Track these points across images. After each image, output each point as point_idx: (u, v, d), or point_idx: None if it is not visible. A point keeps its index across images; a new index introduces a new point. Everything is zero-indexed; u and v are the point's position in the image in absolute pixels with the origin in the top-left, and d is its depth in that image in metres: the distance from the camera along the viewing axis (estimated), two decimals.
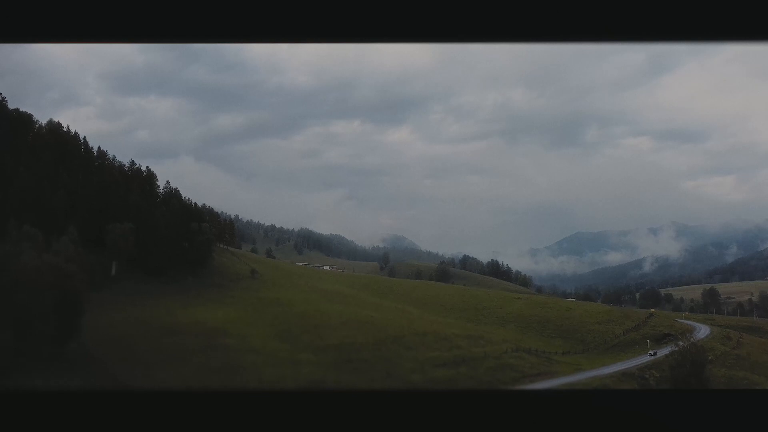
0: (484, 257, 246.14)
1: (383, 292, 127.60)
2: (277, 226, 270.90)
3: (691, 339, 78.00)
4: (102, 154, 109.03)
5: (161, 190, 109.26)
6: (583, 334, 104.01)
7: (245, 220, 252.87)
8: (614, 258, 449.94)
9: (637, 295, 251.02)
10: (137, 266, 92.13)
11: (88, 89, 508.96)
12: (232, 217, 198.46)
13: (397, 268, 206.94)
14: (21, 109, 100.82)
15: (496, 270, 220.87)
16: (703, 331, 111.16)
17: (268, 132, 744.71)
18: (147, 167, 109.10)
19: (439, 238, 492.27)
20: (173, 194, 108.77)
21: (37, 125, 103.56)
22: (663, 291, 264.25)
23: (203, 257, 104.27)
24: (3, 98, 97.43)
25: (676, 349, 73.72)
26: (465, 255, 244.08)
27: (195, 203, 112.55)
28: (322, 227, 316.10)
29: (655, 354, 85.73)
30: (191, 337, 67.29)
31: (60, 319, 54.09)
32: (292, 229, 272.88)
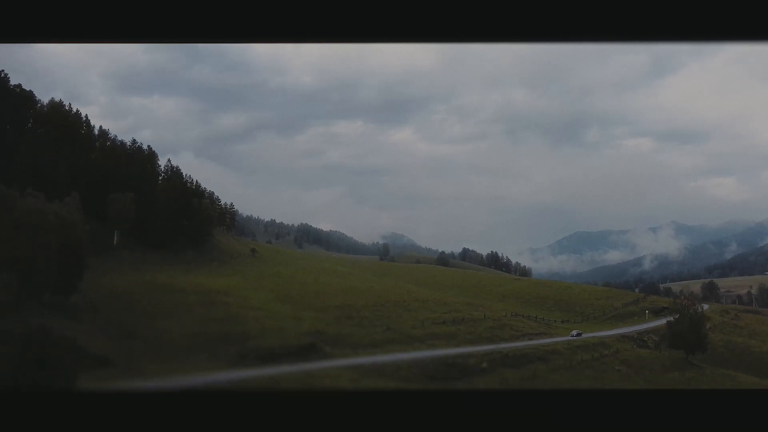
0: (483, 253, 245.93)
1: (383, 273, 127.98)
2: (277, 221, 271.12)
3: (690, 298, 78.33)
4: (104, 133, 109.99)
5: (162, 168, 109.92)
6: (582, 308, 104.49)
7: (245, 215, 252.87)
8: (614, 256, 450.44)
9: (636, 290, 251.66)
10: (138, 239, 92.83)
11: (93, 89, 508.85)
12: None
13: (397, 260, 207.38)
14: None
15: (495, 261, 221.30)
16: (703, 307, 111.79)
17: (271, 131, 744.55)
18: (148, 146, 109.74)
19: (439, 236, 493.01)
20: (174, 172, 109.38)
21: (39, 104, 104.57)
22: (662, 286, 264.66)
23: (203, 234, 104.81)
24: (5, 75, 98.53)
25: (675, 309, 74.21)
26: (465, 248, 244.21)
27: (196, 181, 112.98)
28: (322, 224, 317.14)
29: (579, 335, 74.87)
30: (193, 295, 67.73)
31: (63, 266, 54.54)
32: (292, 225, 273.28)
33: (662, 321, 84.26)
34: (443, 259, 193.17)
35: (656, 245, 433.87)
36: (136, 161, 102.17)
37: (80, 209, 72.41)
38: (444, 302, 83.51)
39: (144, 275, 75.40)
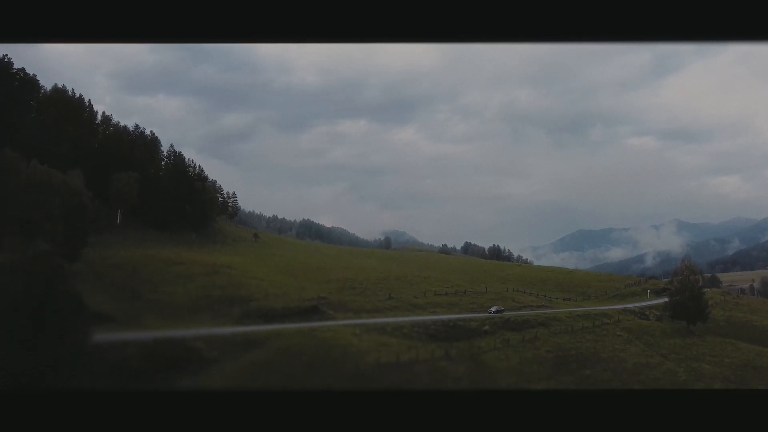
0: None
1: (385, 259, 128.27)
2: (279, 216, 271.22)
3: (690, 267, 78.43)
4: (107, 119, 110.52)
5: (165, 154, 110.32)
6: (584, 289, 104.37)
7: (247, 211, 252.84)
8: (616, 254, 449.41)
9: None
10: (140, 220, 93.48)
11: (98, 88, 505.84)
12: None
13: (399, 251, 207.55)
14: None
15: (497, 255, 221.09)
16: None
17: (275, 130, 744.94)
18: (151, 131, 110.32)
19: (441, 235, 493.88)
20: (177, 157, 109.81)
21: (42, 91, 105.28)
22: (664, 281, 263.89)
23: (206, 217, 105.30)
24: (8, 59, 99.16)
25: (677, 278, 74.62)
26: (467, 242, 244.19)
27: (199, 166, 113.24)
28: (324, 220, 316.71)
29: (500, 311, 65.75)
30: (196, 267, 68.07)
31: (68, 232, 54.96)
32: (294, 221, 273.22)
33: (663, 300, 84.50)
34: (445, 251, 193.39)
35: (658, 242, 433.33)
36: (139, 145, 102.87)
37: (83, 185, 73.00)
38: (446, 279, 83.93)
39: (147, 250, 75.91)
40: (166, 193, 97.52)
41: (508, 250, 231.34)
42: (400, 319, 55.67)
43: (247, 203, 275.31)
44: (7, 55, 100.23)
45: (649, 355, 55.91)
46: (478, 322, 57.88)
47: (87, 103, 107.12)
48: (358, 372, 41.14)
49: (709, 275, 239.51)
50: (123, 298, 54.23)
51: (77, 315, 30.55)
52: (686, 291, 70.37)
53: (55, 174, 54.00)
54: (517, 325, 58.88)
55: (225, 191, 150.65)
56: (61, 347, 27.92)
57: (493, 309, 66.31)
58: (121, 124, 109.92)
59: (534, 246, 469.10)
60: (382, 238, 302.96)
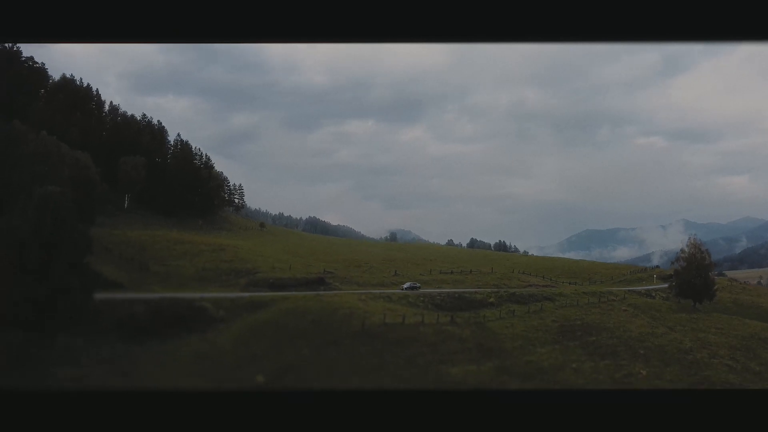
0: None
1: (391, 249, 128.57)
2: (285, 214, 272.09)
3: (696, 245, 78.03)
4: (114, 108, 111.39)
5: (172, 143, 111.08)
6: (589, 275, 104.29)
7: (253, 208, 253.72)
8: (622, 253, 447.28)
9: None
10: (147, 206, 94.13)
11: (108, 88, 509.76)
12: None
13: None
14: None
15: (503, 250, 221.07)
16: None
17: (283, 130, 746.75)
18: (158, 121, 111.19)
19: (446, 234, 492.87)
20: (184, 145, 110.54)
21: (51, 80, 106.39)
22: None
23: (212, 205, 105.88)
24: (17, 48, 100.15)
25: (682, 255, 74.49)
26: (472, 238, 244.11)
27: (206, 154, 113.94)
28: (330, 218, 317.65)
29: (414, 288, 59.45)
30: (202, 246, 68.59)
31: (76, 204, 55.47)
32: (300, 218, 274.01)
33: (670, 284, 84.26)
34: (450, 246, 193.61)
35: (665, 241, 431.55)
36: (146, 133, 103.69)
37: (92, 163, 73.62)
38: (452, 261, 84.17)
39: (155, 231, 76.53)
40: (173, 179, 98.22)
41: (515, 246, 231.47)
42: (406, 291, 55.84)
43: (253, 201, 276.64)
44: (16, 44, 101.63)
45: (655, 326, 55.81)
46: (484, 295, 58.00)
47: (95, 93, 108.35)
48: (364, 330, 41.39)
49: (716, 272, 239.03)
50: (131, 269, 54.76)
51: (86, 248, 30.85)
52: (692, 269, 70.15)
53: (64, 146, 54.56)
54: (522, 299, 58.94)
55: (231, 183, 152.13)
56: (71, 277, 28.24)
57: (407, 285, 60.49)
58: (129, 113, 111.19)
59: (540, 245, 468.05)
60: (388, 235, 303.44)
